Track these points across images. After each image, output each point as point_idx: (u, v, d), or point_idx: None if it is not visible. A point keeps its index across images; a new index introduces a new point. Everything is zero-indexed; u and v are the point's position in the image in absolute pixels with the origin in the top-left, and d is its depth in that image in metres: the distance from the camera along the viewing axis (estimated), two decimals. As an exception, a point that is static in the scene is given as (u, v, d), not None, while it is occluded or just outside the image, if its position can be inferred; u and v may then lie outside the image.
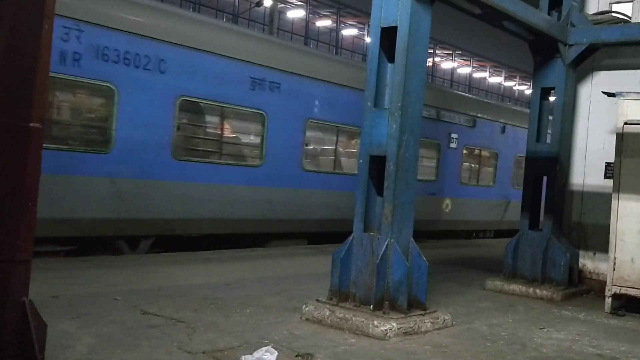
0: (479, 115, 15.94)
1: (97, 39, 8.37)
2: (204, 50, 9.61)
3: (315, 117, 11.37)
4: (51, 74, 6.89)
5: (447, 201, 12.26)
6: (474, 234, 16.92)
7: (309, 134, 11.35)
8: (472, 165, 16.34)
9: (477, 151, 16.25)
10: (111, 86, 8.59)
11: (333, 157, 11.98)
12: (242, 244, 10.57)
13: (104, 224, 8.69)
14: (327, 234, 11.48)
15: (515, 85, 59.39)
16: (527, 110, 9.71)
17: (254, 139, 10.74)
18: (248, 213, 10.40)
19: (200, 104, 9.73)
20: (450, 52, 50.55)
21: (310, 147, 11.67)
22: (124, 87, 8.67)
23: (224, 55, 9.87)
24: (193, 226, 9.80)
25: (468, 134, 15.53)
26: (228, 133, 10.28)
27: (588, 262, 8.73)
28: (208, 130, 10.12)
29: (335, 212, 11.54)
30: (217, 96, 9.77)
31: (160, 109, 9.16)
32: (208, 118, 10.08)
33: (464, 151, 15.62)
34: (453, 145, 14.78)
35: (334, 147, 11.96)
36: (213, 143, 10.08)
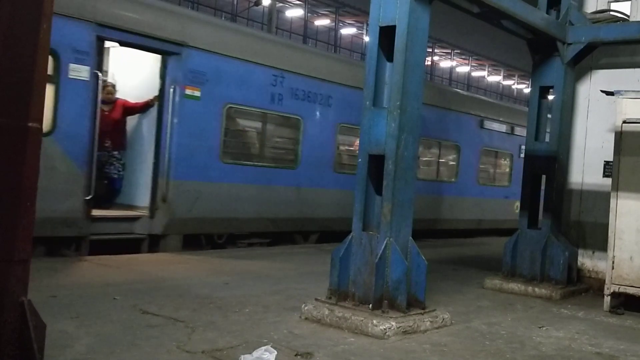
0: None
1: (291, 83, 10.97)
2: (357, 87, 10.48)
3: (346, 121, 12.23)
4: (265, 110, 9.85)
5: (517, 203, 13.02)
6: None
7: (340, 137, 12.46)
8: None
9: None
10: (299, 117, 11.16)
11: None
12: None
13: (290, 222, 11.19)
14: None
15: (513, 84, 59.46)
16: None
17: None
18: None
19: (352, 127, 11.63)
20: (449, 51, 50.60)
21: (343, 149, 12.80)
22: (306, 118, 11.30)
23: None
24: (347, 224, 10.49)
25: None
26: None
27: (587, 261, 8.74)
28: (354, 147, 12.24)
29: None
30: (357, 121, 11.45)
31: (327, 133, 11.81)
32: (350, 139, 12.51)
33: None
34: (522, 155, 15.60)
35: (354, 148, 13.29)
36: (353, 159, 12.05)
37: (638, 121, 7.26)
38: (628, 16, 8.50)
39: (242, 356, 4.30)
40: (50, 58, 7.17)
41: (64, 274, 6.99)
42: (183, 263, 8.42)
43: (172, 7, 10.75)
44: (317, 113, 11.61)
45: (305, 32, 41.40)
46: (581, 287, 8.45)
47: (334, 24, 43.71)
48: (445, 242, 14.46)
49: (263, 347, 4.40)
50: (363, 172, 5.88)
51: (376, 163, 5.82)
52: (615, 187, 7.38)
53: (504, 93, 57.58)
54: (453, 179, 15.45)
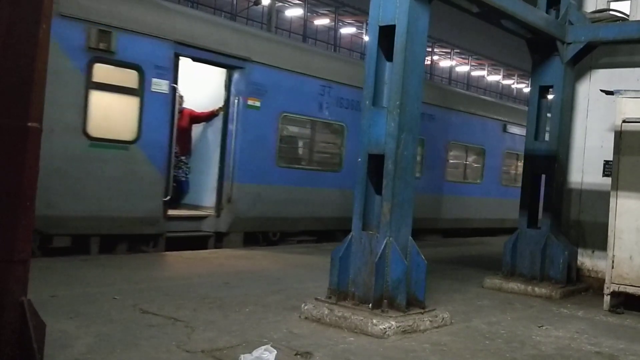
0: None
1: (336, 93, 11.82)
2: None
3: (457, 140, 15.03)
4: (314, 118, 11.19)
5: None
6: None
7: (450, 152, 14.86)
8: None
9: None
10: (343, 124, 12.02)
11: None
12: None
13: (335, 221, 11.94)
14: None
15: (513, 84, 59.45)
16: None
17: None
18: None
19: None
20: (449, 50, 50.59)
21: (452, 161, 15.19)
22: (349, 124, 11.94)
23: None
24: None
25: None
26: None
27: (586, 260, 8.74)
28: None
29: None
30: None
31: None
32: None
33: None
34: None
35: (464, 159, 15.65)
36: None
37: (637, 120, 7.26)
38: (627, 16, 8.50)
39: (241, 356, 4.30)
40: (135, 73, 8.72)
41: (63, 273, 6.99)
42: (182, 262, 8.44)
43: (237, 26, 12.45)
44: (358, 120, 12.03)
45: (304, 32, 41.39)
46: (581, 287, 8.45)
47: (333, 23, 43.70)
48: (445, 241, 14.48)
49: (263, 347, 4.40)
50: (363, 172, 5.89)
51: (376, 163, 5.82)
52: (615, 186, 7.38)
53: (504, 92, 57.56)
54: (479, 180, 16.50)
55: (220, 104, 10.34)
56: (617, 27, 8.18)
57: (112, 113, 8.75)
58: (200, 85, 10.78)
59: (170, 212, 9.44)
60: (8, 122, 3.11)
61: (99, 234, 8.62)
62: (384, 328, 5.26)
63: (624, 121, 7.33)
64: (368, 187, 5.90)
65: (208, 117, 10.62)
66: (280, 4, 39.11)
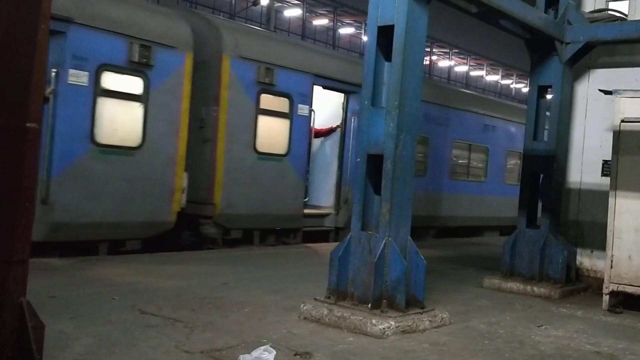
0: None
1: (422, 109, 12.65)
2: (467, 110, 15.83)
3: (513, 147, 16.83)
4: None
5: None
6: None
7: (508, 159, 17.22)
8: None
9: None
10: (427, 136, 14.24)
11: (467, 168, 16.82)
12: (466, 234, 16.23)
13: (419, 219, 12.54)
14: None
15: (512, 84, 59.46)
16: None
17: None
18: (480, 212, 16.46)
19: (463, 143, 15.80)
20: (447, 50, 50.59)
21: (509, 166, 17.30)
22: (432, 136, 14.38)
23: (475, 112, 16.09)
24: (456, 221, 15.70)
25: None
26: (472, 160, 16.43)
27: (585, 260, 8.74)
28: (463, 160, 16.09)
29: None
30: (469, 138, 16.01)
31: (445, 148, 15.13)
32: (463, 152, 15.99)
33: None
34: None
35: (467, 161, 16.70)
36: (465, 167, 16.12)
37: (636, 120, 7.26)
38: (626, 15, 8.50)
39: (241, 356, 4.30)
40: (287, 100, 11.17)
41: (62, 274, 6.98)
42: (181, 263, 8.43)
43: (352, 58, 15.91)
44: (439, 132, 14.85)
45: (303, 32, 41.38)
46: (580, 286, 8.45)
47: (332, 23, 43.70)
48: (444, 241, 14.50)
49: (262, 347, 4.40)
50: (362, 172, 5.89)
51: (375, 163, 5.82)
52: (614, 186, 7.38)
53: (503, 92, 57.56)
54: (501, 181, 17.71)
55: (338, 122, 12.54)
56: (615, 27, 8.19)
57: (271, 133, 10.93)
58: (322, 107, 12.57)
59: (306, 210, 11.64)
60: (7, 122, 3.10)
61: (259, 228, 10.80)
62: (383, 328, 5.25)
63: (622, 121, 7.34)
64: (367, 187, 5.89)
65: (327, 133, 12.66)
66: (279, 4, 39.08)
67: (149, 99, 8.95)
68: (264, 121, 10.62)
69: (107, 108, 8.53)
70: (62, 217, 8.13)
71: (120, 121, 8.30)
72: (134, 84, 8.85)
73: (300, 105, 11.20)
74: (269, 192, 10.75)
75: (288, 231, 11.37)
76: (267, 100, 10.65)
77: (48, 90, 8.30)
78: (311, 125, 11.78)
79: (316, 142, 12.84)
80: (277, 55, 10.95)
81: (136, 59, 8.68)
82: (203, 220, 10.03)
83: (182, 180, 9.47)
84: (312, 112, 11.60)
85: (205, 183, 9.95)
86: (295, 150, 11.23)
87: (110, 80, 8.47)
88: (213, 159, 9.96)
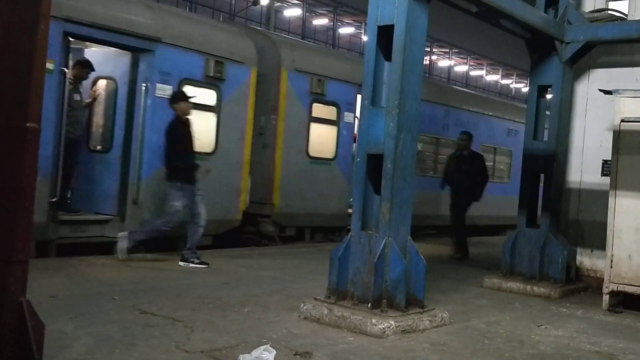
0: None
1: (454, 116, 15.09)
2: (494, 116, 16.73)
3: (485, 142, 16.55)
4: (438, 137, 15.02)
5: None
6: None
7: None
8: None
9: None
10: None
11: (492, 170, 16.76)
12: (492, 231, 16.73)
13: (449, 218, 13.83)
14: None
15: (512, 83, 59.45)
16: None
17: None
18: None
19: (489, 146, 16.29)
20: (447, 50, 50.57)
21: None
22: None
23: (500, 117, 16.86)
24: (482, 220, 15.87)
25: None
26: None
27: (585, 260, 8.74)
28: (489, 162, 15.78)
29: None
30: (494, 142, 16.75)
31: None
32: (489, 156, 15.95)
33: None
34: None
35: (492, 163, 16.88)
36: (491, 169, 15.81)
37: (636, 120, 7.26)
38: (626, 15, 8.50)
39: (241, 356, 4.30)
40: (335, 109, 12.01)
41: (62, 274, 6.98)
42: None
43: None
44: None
45: (303, 32, 41.37)
46: (580, 286, 8.45)
47: (332, 23, 43.68)
48: (444, 241, 14.48)
49: (262, 347, 4.40)
50: (362, 172, 5.89)
51: (375, 163, 5.82)
52: (614, 186, 7.38)
53: (503, 92, 57.53)
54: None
55: None
56: (615, 27, 8.18)
57: (321, 139, 11.71)
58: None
59: (349, 210, 12.00)
60: (7, 122, 3.10)
61: (311, 226, 11.64)
62: (383, 328, 5.26)
63: (622, 120, 7.34)
64: (367, 187, 5.90)
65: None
66: (279, 4, 39.05)
67: (221, 109, 9.86)
68: (315, 128, 11.59)
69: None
70: (150, 216, 8.90)
71: (197, 130, 8.97)
72: (209, 96, 9.75)
73: (346, 113, 12.03)
74: (319, 193, 11.60)
75: (334, 229, 12.11)
76: (318, 109, 11.60)
77: (93, 93, 9.42)
78: (355, 131, 12.05)
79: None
80: (327, 67, 11.93)
81: (211, 73, 9.62)
82: (262, 218, 11.01)
83: (247, 182, 10.44)
84: (356, 119, 11.81)
85: (264, 185, 10.88)
86: (342, 154, 12.02)
87: (190, 93, 9.09)
88: (272, 163, 10.99)
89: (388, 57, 5.84)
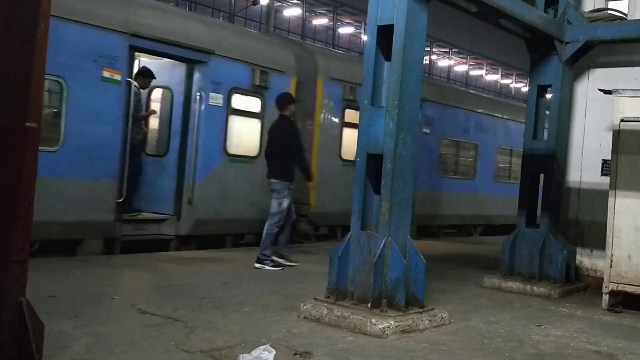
0: None
1: (474, 119, 15.80)
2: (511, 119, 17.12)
3: (502, 144, 17.22)
4: (459, 140, 15.73)
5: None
6: None
7: (498, 156, 17.42)
8: None
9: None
10: (476, 143, 15.80)
11: (508, 171, 17.74)
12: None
13: (469, 217, 16.08)
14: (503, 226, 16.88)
15: (511, 83, 59.44)
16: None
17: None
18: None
19: (506, 149, 17.03)
20: (447, 50, 50.54)
21: (500, 166, 17.59)
22: (480, 143, 15.92)
23: (516, 121, 16.79)
24: (498, 219, 16.77)
25: None
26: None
27: (585, 259, 8.74)
28: (505, 164, 17.23)
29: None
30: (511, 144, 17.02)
31: (491, 153, 16.49)
32: (505, 157, 17.21)
33: None
34: None
35: (509, 165, 17.66)
36: (507, 170, 17.23)
37: (636, 119, 7.26)
38: (626, 15, 8.50)
39: (240, 355, 4.30)
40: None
41: (61, 273, 6.98)
42: (181, 263, 8.45)
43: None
44: (487, 139, 16.21)
45: (303, 32, 41.35)
46: (579, 286, 8.46)
47: (332, 23, 43.66)
48: (444, 241, 14.50)
49: (262, 347, 4.40)
50: (361, 172, 5.89)
51: (374, 162, 5.82)
52: (613, 185, 7.38)
53: (502, 92, 57.52)
54: None
55: None
56: (615, 27, 8.18)
57: (353, 142, 11.80)
58: None
59: None
60: (6, 122, 3.10)
61: (342, 225, 11.62)
62: (383, 327, 5.26)
63: (622, 120, 7.34)
64: (367, 186, 5.90)
65: None
66: (279, 3, 39.02)
67: (265, 115, 10.39)
68: (347, 132, 12.02)
69: (235, 124, 10.18)
70: (203, 215, 9.67)
71: (244, 135, 9.88)
72: (254, 104, 10.47)
73: None
74: (350, 194, 11.52)
75: None
76: (350, 114, 11.96)
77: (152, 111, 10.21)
78: None
79: None
80: (358, 75, 12.07)
81: (257, 82, 10.33)
82: (299, 218, 11.17)
83: None
84: None
85: (302, 186, 11.07)
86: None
87: (238, 100, 10.09)
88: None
89: (388, 57, 5.84)
